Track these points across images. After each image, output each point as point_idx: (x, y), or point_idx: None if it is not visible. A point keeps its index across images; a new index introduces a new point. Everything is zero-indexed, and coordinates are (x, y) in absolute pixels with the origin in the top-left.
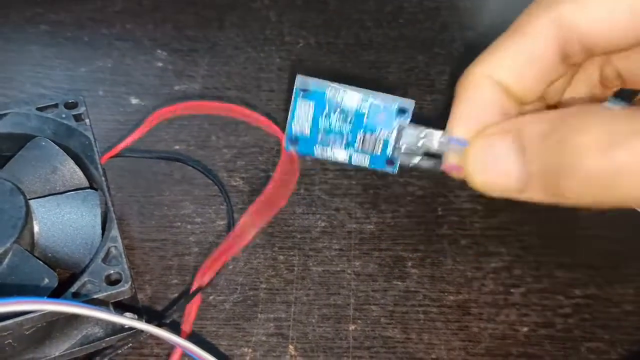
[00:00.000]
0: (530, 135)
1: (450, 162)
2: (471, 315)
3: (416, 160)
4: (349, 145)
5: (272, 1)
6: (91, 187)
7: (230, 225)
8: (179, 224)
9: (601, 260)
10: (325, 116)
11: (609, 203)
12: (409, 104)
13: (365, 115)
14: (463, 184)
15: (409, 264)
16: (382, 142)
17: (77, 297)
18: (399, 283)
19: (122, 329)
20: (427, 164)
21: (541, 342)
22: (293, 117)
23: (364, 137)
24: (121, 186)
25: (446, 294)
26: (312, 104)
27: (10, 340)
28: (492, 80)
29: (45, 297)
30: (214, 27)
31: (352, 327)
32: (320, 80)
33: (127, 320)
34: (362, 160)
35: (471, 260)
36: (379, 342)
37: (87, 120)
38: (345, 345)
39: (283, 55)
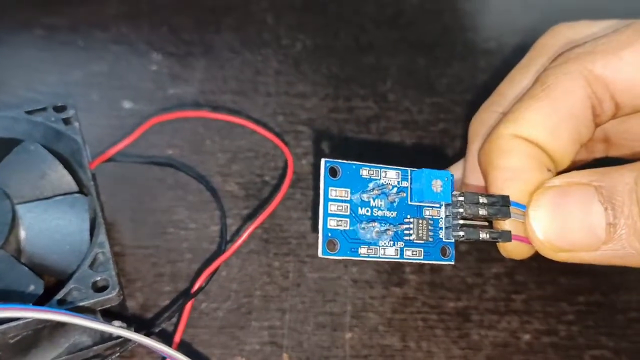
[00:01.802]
0: (615, 187)
1: (503, 227)
2: (471, 322)
3: (484, 235)
4: (397, 237)
5: (269, 4)
6: (80, 192)
7: (222, 231)
8: (172, 230)
9: (605, 266)
10: (365, 203)
11: None
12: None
13: (409, 195)
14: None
15: (408, 270)
16: (431, 224)
17: (62, 304)
18: (397, 289)
19: (110, 337)
20: (494, 237)
21: (544, 350)
22: (327, 212)
23: (413, 222)
24: (113, 192)
25: (446, 300)
26: (347, 190)
27: None
28: (526, 142)
29: (30, 305)
30: (210, 30)
31: (348, 335)
32: (349, 162)
33: (114, 329)
34: (416, 253)
35: (471, 266)
36: (377, 351)
37: (76, 124)
38: (341, 354)
39: (280, 58)
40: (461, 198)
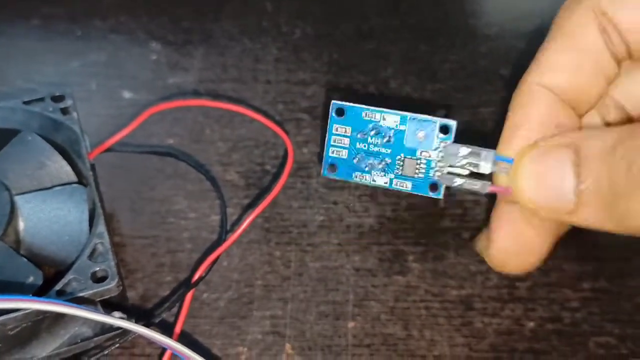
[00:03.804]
0: (590, 150)
1: (499, 183)
2: (475, 310)
3: (460, 182)
4: (388, 169)
5: None
6: (79, 182)
7: (223, 220)
8: (172, 219)
9: (611, 252)
10: (363, 139)
11: None
12: (452, 123)
13: (405, 137)
14: None
15: (410, 258)
16: (423, 164)
17: (61, 295)
18: (400, 278)
19: (111, 328)
20: (474, 186)
21: (548, 337)
22: (330, 142)
23: (404, 160)
24: (112, 182)
25: (449, 288)
26: (348, 128)
27: None
28: (547, 91)
29: (30, 295)
30: (209, 18)
31: (351, 324)
32: (356, 105)
33: (113, 320)
34: (403, 184)
35: (474, 254)
36: (379, 340)
37: (74, 114)
38: (344, 343)
39: (280, 46)
40: (453, 149)
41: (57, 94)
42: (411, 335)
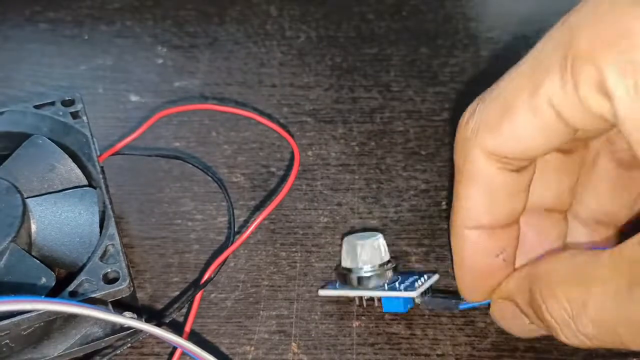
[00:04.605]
0: (523, 305)
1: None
2: (477, 309)
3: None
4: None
5: None
6: (89, 185)
7: (230, 222)
8: (179, 221)
9: None
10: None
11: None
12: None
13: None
14: None
15: (413, 258)
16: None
17: (74, 296)
18: None
19: (121, 328)
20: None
21: (549, 337)
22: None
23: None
24: (120, 184)
25: (451, 288)
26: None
27: (8, 341)
28: (471, 232)
29: (43, 297)
30: (214, 23)
31: (355, 323)
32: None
33: (125, 320)
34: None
35: None
36: (384, 339)
37: (84, 118)
38: (349, 342)
39: (284, 49)
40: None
41: (68, 98)
42: (415, 334)
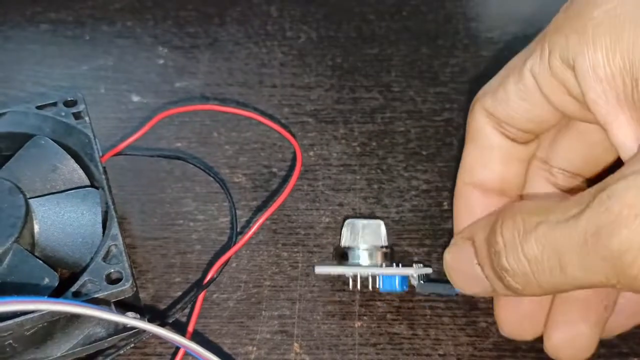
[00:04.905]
0: (477, 238)
1: None
2: (479, 310)
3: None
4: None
5: None
6: (92, 186)
7: (233, 222)
8: (181, 221)
9: None
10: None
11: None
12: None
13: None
14: None
15: (415, 259)
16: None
17: (77, 296)
18: None
19: (124, 328)
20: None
21: None
22: None
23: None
24: (122, 184)
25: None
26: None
27: (11, 341)
28: (471, 187)
29: (46, 297)
30: (214, 23)
31: (357, 323)
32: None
33: (129, 320)
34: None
35: None
36: (385, 339)
37: (86, 118)
38: (351, 342)
39: (285, 50)
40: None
41: (70, 99)
42: (416, 334)
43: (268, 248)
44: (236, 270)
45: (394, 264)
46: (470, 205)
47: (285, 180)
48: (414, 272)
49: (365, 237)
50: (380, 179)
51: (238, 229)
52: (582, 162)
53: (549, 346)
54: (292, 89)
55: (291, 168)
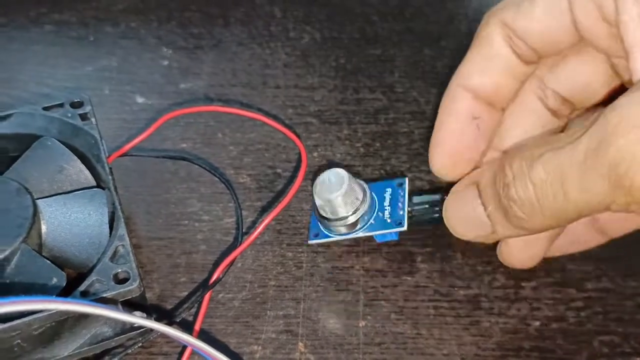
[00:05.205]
0: (483, 181)
1: None
2: (482, 309)
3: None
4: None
5: None
6: (98, 186)
7: (239, 223)
8: (186, 222)
9: (614, 252)
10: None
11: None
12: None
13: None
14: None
15: (418, 259)
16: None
17: (85, 296)
18: (409, 278)
19: (131, 328)
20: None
21: (553, 336)
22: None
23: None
24: (127, 185)
25: (456, 288)
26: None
27: (19, 341)
28: (464, 90)
29: (54, 297)
30: (218, 24)
31: (362, 323)
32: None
33: (137, 319)
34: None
35: (481, 254)
36: (390, 338)
37: (93, 119)
38: (355, 341)
39: (288, 51)
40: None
41: (76, 100)
42: (420, 334)
43: (273, 248)
44: (241, 270)
45: (376, 204)
46: (458, 107)
47: (289, 180)
48: (406, 227)
49: (343, 207)
50: (384, 179)
51: (243, 230)
52: (577, 90)
53: (504, 249)
54: (296, 89)
55: (295, 169)
